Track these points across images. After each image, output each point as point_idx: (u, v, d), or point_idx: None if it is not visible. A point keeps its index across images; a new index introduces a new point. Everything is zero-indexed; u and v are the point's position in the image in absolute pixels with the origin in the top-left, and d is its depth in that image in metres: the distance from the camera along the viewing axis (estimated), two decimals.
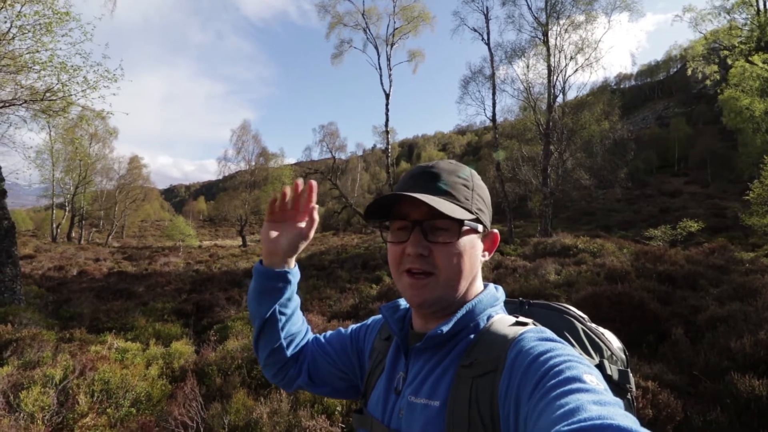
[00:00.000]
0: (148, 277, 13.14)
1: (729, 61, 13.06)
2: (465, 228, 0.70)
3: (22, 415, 2.87)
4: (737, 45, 12.70)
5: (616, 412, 0.43)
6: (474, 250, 0.73)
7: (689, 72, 14.16)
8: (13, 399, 3.05)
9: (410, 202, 0.69)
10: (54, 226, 31.01)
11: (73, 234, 33.33)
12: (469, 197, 0.72)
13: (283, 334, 0.90)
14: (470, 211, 0.71)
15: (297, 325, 0.93)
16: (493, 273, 8.82)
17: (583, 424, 0.41)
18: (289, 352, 0.90)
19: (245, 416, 2.96)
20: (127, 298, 9.31)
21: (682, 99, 66.46)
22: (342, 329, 0.98)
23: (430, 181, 0.71)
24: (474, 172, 0.77)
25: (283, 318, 0.90)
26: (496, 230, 0.78)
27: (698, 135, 47.83)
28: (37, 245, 24.13)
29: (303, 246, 0.89)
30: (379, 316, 0.92)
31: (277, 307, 0.88)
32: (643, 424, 0.42)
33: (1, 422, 2.76)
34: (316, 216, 0.88)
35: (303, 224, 0.88)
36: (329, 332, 0.98)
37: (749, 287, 5.47)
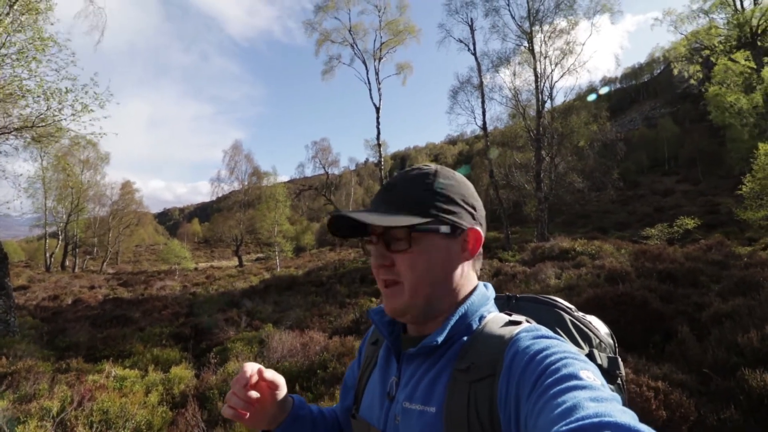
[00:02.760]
0: (145, 302, 12.94)
1: (712, 59, 13.35)
2: (418, 233, 0.68)
3: None
4: (717, 45, 12.98)
5: (614, 408, 0.43)
6: (441, 253, 0.69)
7: (675, 72, 14.41)
8: None
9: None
10: (47, 255, 30.62)
11: (67, 262, 32.94)
12: (426, 199, 0.69)
13: None
14: (427, 215, 0.68)
15: (333, 428, 0.90)
16: (493, 280, 8.77)
17: (581, 422, 0.41)
18: None
19: None
20: (123, 324, 9.14)
21: (667, 99, 67.69)
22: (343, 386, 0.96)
23: (384, 193, 0.73)
24: (444, 170, 0.74)
25: None
26: (475, 227, 0.73)
27: (686, 134, 48.58)
28: (30, 276, 23.81)
29: (283, 392, 0.80)
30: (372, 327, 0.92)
31: None
32: (657, 426, 0.40)
33: None
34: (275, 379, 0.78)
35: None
36: (338, 405, 0.95)
37: (750, 281, 5.47)
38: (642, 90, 78.87)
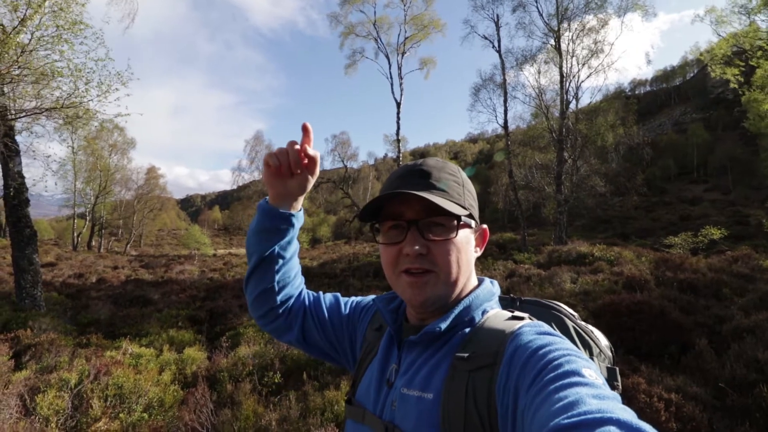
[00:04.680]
0: (164, 284, 13.31)
1: (752, 63, 12.72)
2: (461, 223, 0.70)
3: (37, 418, 2.90)
4: (760, 47, 12.38)
5: (615, 405, 0.43)
6: (469, 246, 0.73)
7: (714, 75, 13.70)
8: (29, 402, 3.09)
9: (403, 201, 0.69)
10: (75, 235, 31.79)
11: (93, 243, 34.14)
12: (461, 193, 0.72)
13: (277, 277, 0.88)
14: (463, 207, 0.71)
15: (293, 272, 0.92)
16: (507, 281, 8.67)
17: (583, 417, 0.41)
18: (279, 298, 0.89)
19: (255, 423, 2.94)
20: (143, 304, 9.43)
21: (699, 104, 65.26)
22: (340, 297, 0.96)
23: (421, 178, 0.70)
24: (459, 168, 0.77)
25: (281, 260, 0.88)
26: (485, 225, 0.79)
27: (717, 141, 46.81)
28: (58, 253, 24.76)
29: (310, 186, 0.86)
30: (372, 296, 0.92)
31: (276, 247, 0.86)
32: None
33: (17, 425, 2.80)
34: (316, 157, 0.84)
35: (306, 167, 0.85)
36: (328, 295, 0.96)
37: None
38: (673, 94, 76.22)
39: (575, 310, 0.83)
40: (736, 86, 13.54)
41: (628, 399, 2.96)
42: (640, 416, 0.42)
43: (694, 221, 23.83)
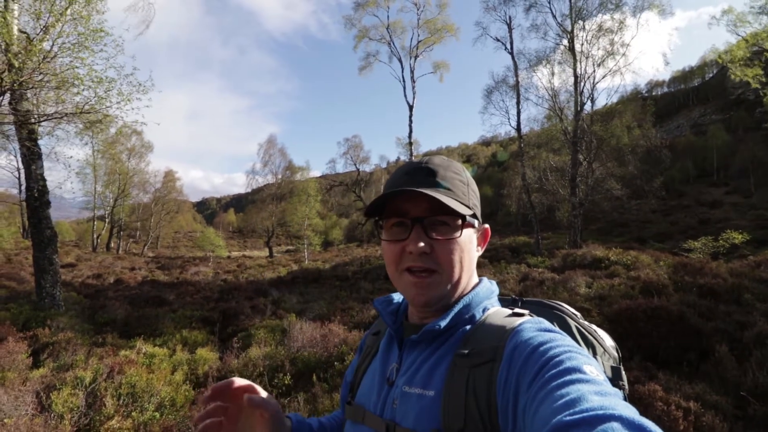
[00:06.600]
0: (179, 285, 13.52)
1: None
2: (465, 223, 0.70)
3: (52, 415, 2.96)
4: None
5: (617, 402, 0.43)
6: (472, 245, 0.73)
7: (735, 77, 13.29)
8: (45, 399, 3.16)
9: (408, 198, 0.69)
10: (94, 236, 32.60)
11: (112, 244, 34.95)
12: (465, 192, 0.72)
13: None
14: (468, 206, 0.71)
15: None
16: (520, 285, 8.55)
17: (585, 414, 0.41)
18: None
19: None
20: (158, 305, 9.58)
21: (719, 105, 63.61)
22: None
23: (427, 176, 0.70)
24: (463, 166, 0.77)
25: None
26: (487, 225, 0.79)
27: (738, 142, 45.51)
28: (78, 254, 25.39)
29: (275, 415, 0.72)
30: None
31: None
32: None
33: (33, 422, 2.86)
34: (258, 395, 0.71)
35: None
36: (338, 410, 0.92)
37: None
38: (692, 95, 74.44)
39: (590, 315, 0.81)
40: (759, 87, 13.16)
41: (644, 407, 2.88)
42: (657, 425, 0.41)
43: (714, 225, 23.17)
